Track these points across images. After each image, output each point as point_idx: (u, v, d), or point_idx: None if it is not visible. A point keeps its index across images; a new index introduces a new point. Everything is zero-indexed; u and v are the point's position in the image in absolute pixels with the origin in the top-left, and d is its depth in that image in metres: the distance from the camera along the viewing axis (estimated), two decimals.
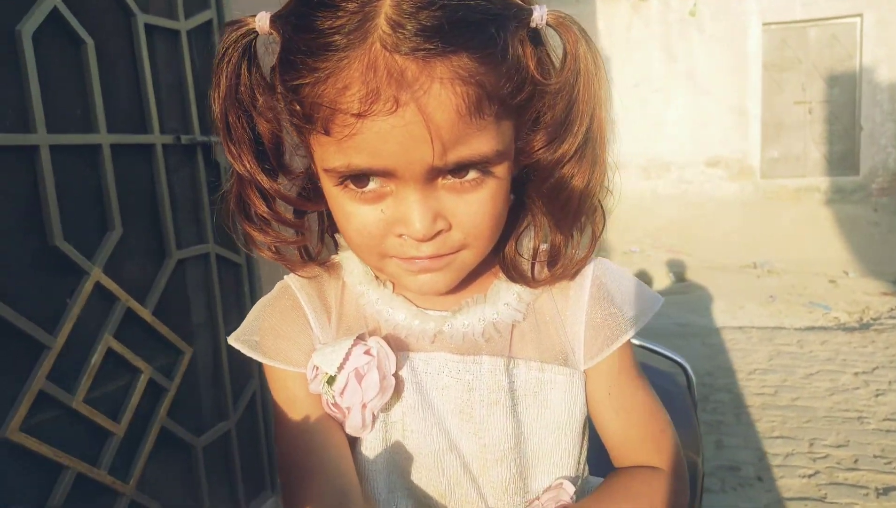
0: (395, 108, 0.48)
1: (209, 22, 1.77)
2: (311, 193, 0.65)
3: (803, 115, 8.77)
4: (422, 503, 0.69)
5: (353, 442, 0.69)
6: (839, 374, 3.55)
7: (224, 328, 1.78)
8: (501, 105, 0.52)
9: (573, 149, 0.58)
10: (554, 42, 0.58)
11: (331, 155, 0.53)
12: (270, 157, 0.61)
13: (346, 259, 0.71)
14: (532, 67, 0.54)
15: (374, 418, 0.67)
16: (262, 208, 0.63)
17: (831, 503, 2.34)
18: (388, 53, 0.47)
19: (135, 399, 1.50)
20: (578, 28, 0.56)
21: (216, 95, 0.59)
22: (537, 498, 0.69)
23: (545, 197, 0.62)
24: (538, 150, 0.59)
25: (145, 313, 1.54)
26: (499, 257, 0.68)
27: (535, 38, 0.56)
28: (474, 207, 0.56)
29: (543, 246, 0.67)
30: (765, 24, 8.55)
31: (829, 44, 8.49)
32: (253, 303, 0.76)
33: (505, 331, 0.68)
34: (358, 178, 0.55)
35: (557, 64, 0.57)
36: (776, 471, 2.57)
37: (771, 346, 4.11)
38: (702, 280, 6.08)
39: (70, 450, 1.31)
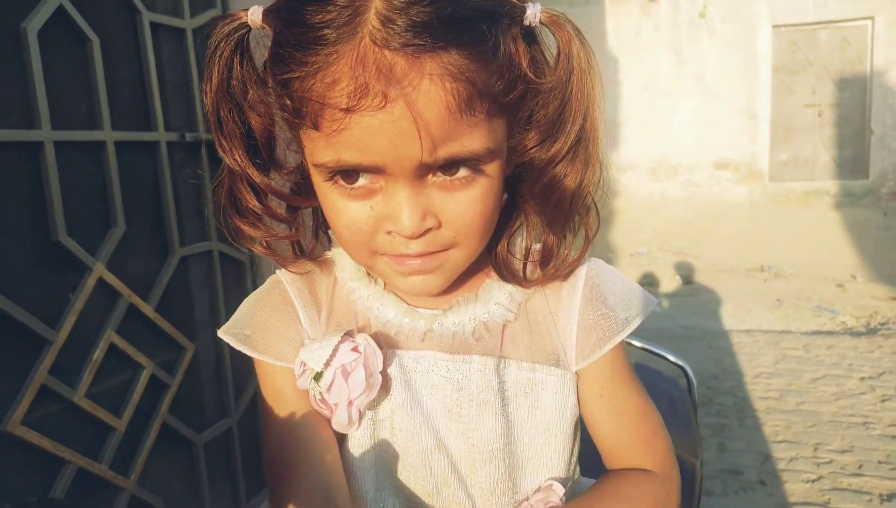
0: (383, 103, 0.48)
1: (214, 20, 1.77)
2: (304, 188, 0.65)
3: (813, 118, 8.72)
4: (409, 502, 0.69)
5: (342, 439, 0.69)
6: (845, 379, 3.52)
7: None
8: (493, 103, 0.52)
9: (566, 148, 0.58)
10: (550, 42, 0.57)
11: (320, 150, 0.53)
12: (262, 151, 0.61)
13: (339, 255, 0.71)
14: (525, 65, 0.54)
15: (361, 415, 0.67)
16: (252, 202, 0.63)
17: None
18: (377, 49, 0.47)
19: (136, 395, 1.50)
20: (572, 27, 0.56)
21: (208, 88, 0.59)
22: (526, 499, 0.69)
23: (538, 197, 0.62)
24: (531, 149, 0.59)
25: (148, 310, 1.55)
26: (491, 257, 0.67)
27: (529, 36, 0.55)
28: (464, 205, 0.56)
29: (536, 246, 0.67)
30: (775, 27, 8.51)
31: (840, 47, 8.44)
32: None
33: (496, 331, 0.68)
34: (347, 174, 0.55)
35: (552, 63, 0.57)
36: (779, 476, 2.56)
37: (777, 350, 4.08)
38: (709, 283, 6.05)
39: (71, 445, 1.32)
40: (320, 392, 0.64)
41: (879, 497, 2.39)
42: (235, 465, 1.89)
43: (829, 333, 4.49)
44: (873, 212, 7.99)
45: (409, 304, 0.68)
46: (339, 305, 0.71)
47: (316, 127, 0.52)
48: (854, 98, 8.52)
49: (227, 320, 0.73)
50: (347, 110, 0.49)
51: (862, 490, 2.43)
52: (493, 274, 0.69)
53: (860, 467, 2.60)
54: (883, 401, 3.21)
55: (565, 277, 0.70)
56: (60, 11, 1.32)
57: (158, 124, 1.59)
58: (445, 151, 0.52)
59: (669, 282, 6.21)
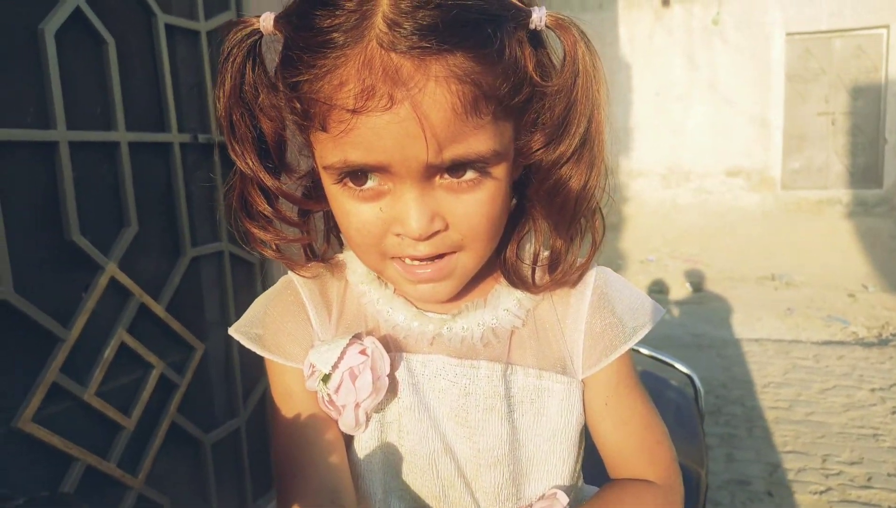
0: (389, 104, 0.49)
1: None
2: (315, 193, 0.66)
3: (826, 126, 8.66)
4: (415, 504, 0.70)
5: (350, 441, 0.70)
6: (855, 390, 3.50)
7: None
8: (499, 105, 0.53)
9: (571, 150, 0.58)
10: (556, 45, 0.58)
11: (328, 151, 0.54)
12: (273, 155, 0.62)
13: (350, 258, 0.72)
14: (530, 67, 0.55)
15: (368, 417, 0.67)
16: (263, 205, 0.64)
17: None
18: (384, 51, 0.48)
19: (146, 394, 1.52)
20: (578, 30, 0.56)
21: (220, 93, 0.60)
22: (530, 506, 0.69)
23: (543, 199, 0.63)
24: (536, 150, 0.59)
25: (159, 309, 1.56)
26: (500, 262, 0.68)
27: (535, 39, 0.56)
28: (472, 207, 0.57)
29: (545, 253, 0.67)
30: (788, 35, 8.46)
31: (855, 55, 8.38)
32: None
33: (504, 337, 0.68)
34: (356, 176, 0.55)
35: (558, 66, 0.57)
36: (787, 487, 2.54)
37: (787, 359, 4.06)
38: (719, 291, 6.02)
39: (81, 442, 1.33)
40: (328, 394, 0.65)
41: None
42: (243, 465, 1.90)
43: (840, 343, 4.45)
44: (886, 221, 7.92)
45: (418, 308, 0.69)
46: (350, 307, 0.72)
47: (324, 128, 0.53)
48: (868, 107, 8.45)
49: (237, 320, 0.74)
50: (354, 111, 0.50)
51: (871, 503, 2.41)
52: (503, 280, 0.69)
53: (869, 479, 2.58)
54: (893, 413, 3.18)
55: (573, 284, 0.70)
56: (77, 13, 1.33)
57: (172, 126, 1.61)
58: (451, 153, 0.52)
59: (679, 289, 6.18)
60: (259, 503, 1.97)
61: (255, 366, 1.94)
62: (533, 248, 0.68)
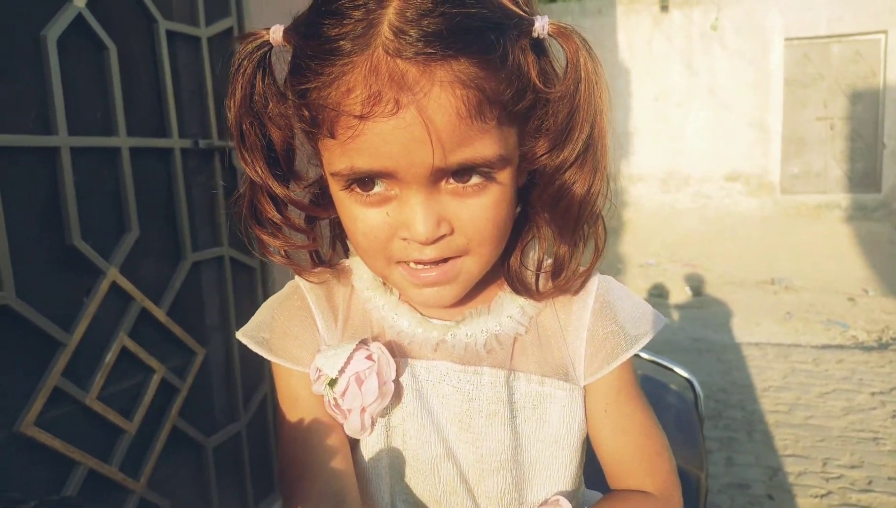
0: (395, 110, 0.50)
1: (230, 29, 1.80)
2: (322, 199, 0.68)
3: (825, 131, 8.68)
4: None
5: (356, 445, 0.70)
6: (855, 394, 3.50)
7: (237, 330, 1.79)
8: (503, 110, 0.54)
9: (574, 155, 0.59)
10: (559, 53, 0.59)
11: (336, 158, 0.55)
12: (282, 163, 0.64)
13: (357, 264, 0.73)
14: (534, 74, 0.56)
15: (374, 421, 0.68)
16: (272, 213, 0.65)
17: None
18: (390, 58, 0.49)
19: (147, 398, 1.52)
20: (580, 38, 0.57)
21: (231, 103, 0.61)
22: None
23: (547, 204, 0.63)
24: (540, 156, 0.60)
25: (160, 314, 1.56)
26: (504, 269, 0.69)
27: (538, 47, 0.57)
28: (477, 211, 0.57)
29: (548, 260, 0.68)
30: (787, 40, 8.49)
31: (853, 60, 8.41)
32: None
33: (507, 343, 0.69)
34: (363, 182, 0.56)
35: (561, 73, 0.58)
36: (787, 491, 2.54)
37: (786, 363, 4.06)
38: (719, 295, 6.02)
39: (82, 446, 1.34)
40: (334, 398, 0.65)
41: None
42: (244, 469, 1.90)
43: (840, 347, 4.45)
44: (885, 226, 7.94)
45: (422, 314, 0.69)
46: (355, 313, 0.72)
47: (332, 135, 0.54)
48: (866, 112, 8.48)
49: (237, 325, 0.74)
50: (361, 117, 0.51)
51: (871, 507, 2.41)
52: (506, 287, 0.70)
53: (869, 483, 2.58)
54: (893, 417, 3.18)
55: (576, 291, 0.71)
56: (79, 19, 1.34)
57: (173, 131, 1.62)
58: (457, 157, 0.53)
59: (679, 294, 6.19)
60: (260, 506, 1.97)
61: (255, 370, 1.94)
62: (537, 255, 0.69)
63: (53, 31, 1.28)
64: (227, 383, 1.85)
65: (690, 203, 9.07)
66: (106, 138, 1.43)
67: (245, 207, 0.66)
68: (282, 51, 0.59)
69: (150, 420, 1.54)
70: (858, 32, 8.26)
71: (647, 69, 9.01)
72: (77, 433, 1.34)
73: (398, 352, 0.69)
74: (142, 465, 1.51)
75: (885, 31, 8.16)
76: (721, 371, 3.95)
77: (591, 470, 0.76)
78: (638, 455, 0.72)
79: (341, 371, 0.64)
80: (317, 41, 0.52)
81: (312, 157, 0.64)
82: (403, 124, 0.50)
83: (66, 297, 1.35)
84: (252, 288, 1.93)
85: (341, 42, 0.50)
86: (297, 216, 0.68)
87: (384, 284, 0.70)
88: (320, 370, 0.66)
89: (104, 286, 1.40)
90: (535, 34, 0.55)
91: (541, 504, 0.70)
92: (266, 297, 2.04)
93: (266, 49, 0.60)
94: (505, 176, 0.57)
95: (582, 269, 0.68)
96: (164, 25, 1.58)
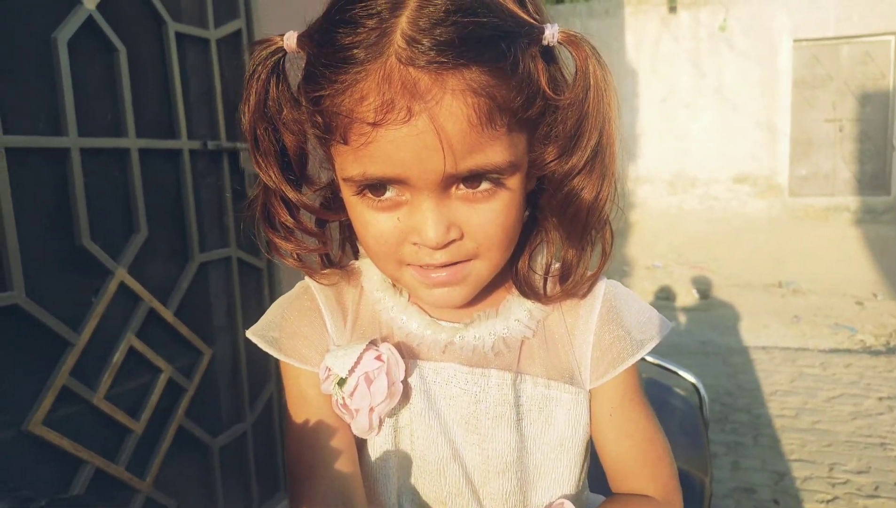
0: (408, 117, 0.51)
1: (238, 31, 1.81)
2: (333, 203, 0.69)
3: (834, 133, 8.64)
4: None
5: (363, 445, 0.71)
6: (863, 398, 3.48)
7: (243, 331, 1.80)
8: (513, 117, 0.54)
9: (583, 161, 0.60)
10: (568, 60, 0.59)
11: (348, 164, 0.56)
12: (295, 168, 0.65)
13: (366, 266, 0.73)
14: (544, 82, 0.56)
15: (381, 421, 0.68)
16: (285, 217, 0.66)
17: None
18: (402, 66, 0.50)
19: (154, 398, 1.53)
20: (589, 46, 0.58)
21: (245, 108, 0.62)
22: None
23: (556, 210, 0.64)
24: (550, 162, 0.61)
25: (167, 314, 1.57)
26: (512, 273, 0.69)
27: (548, 55, 0.58)
28: (487, 217, 0.58)
29: (556, 265, 0.68)
30: (796, 41, 8.46)
31: (863, 62, 8.37)
32: None
33: (514, 346, 0.70)
34: (375, 187, 0.57)
35: (570, 81, 0.59)
36: (793, 495, 2.53)
37: (793, 367, 4.04)
38: (726, 298, 6.00)
39: (90, 445, 1.35)
40: (343, 398, 0.66)
41: None
42: (249, 469, 1.91)
43: (848, 351, 4.43)
44: (894, 229, 7.89)
45: (431, 316, 0.70)
46: (365, 314, 0.73)
47: (345, 141, 0.54)
48: (876, 114, 8.44)
49: (244, 326, 0.75)
50: (374, 124, 0.51)
51: None
52: (514, 291, 0.71)
53: (876, 488, 2.56)
54: None
55: (583, 295, 0.72)
56: (90, 22, 1.35)
57: (181, 133, 1.63)
58: (467, 164, 0.54)
59: (686, 296, 6.17)
60: (265, 506, 1.98)
61: (261, 371, 1.95)
62: (545, 259, 0.69)
63: (64, 34, 1.29)
64: (233, 383, 1.86)
65: (697, 205, 9.05)
66: (115, 140, 1.44)
67: (259, 211, 0.67)
68: (295, 57, 0.60)
69: (157, 420, 1.55)
70: (868, 34, 8.22)
71: (655, 70, 8.99)
72: (85, 433, 1.35)
73: (407, 353, 0.69)
74: (148, 465, 1.52)
75: (895, 33, 8.11)
76: (727, 375, 3.94)
77: (595, 474, 0.76)
78: (640, 460, 0.73)
79: (351, 371, 0.65)
80: (330, 49, 0.53)
81: (324, 161, 0.65)
82: (415, 132, 0.51)
83: (74, 297, 1.36)
84: (259, 289, 1.94)
85: (355, 50, 0.51)
86: (308, 220, 0.69)
87: (393, 285, 0.71)
88: (330, 370, 0.66)
89: (112, 287, 1.41)
90: (544, 42, 0.56)
91: (545, 507, 0.70)
92: (273, 298, 2.05)
93: (280, 55, 0.60)
94: (514, 182, 0.58)
95: (589, 273, 0.68)
96: (173, 27, 1.59)
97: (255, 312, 1.89)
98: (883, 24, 8.12)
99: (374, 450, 0.70)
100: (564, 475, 0.71)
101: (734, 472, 2.71)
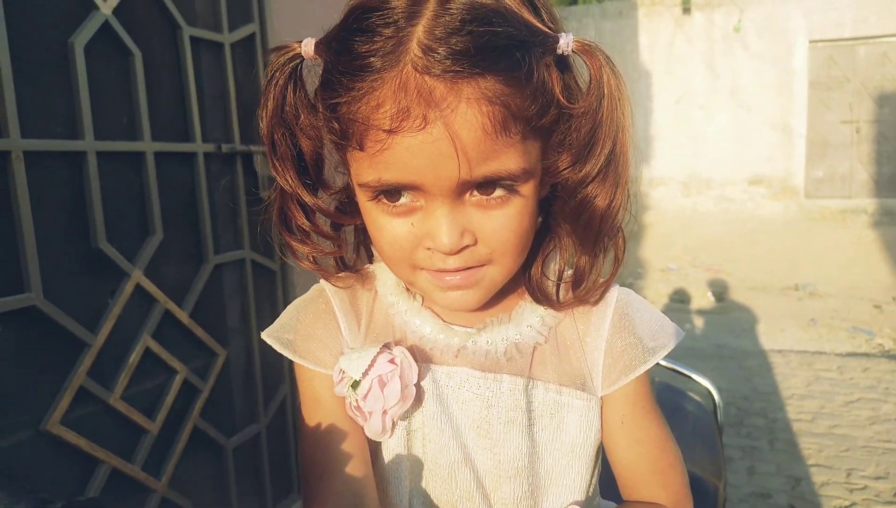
0: (423, 125, 0.51)
1: (252, 35, 1.82)
2: (348, 207, 0.69)
3: (850, 134, 8.56)
4: None
5: (377, 448, 0.71)
6: (881, 403, 3.44)
7: (257, 332, 1.82)
8: (527, 125, 0.55)
9: (596, 169, 0.60)
10: (582, 69, 0.60)
11: (364, 170, 0.57)
12: (311, 172, 0.65)
13: (380, 270, 0.74)
14: (558, 90, 0.56)
15: (394, 424, 0.69)
16: (302, 220, 0.67)
17: None
18: (418, 75, 0.51)
19: (170, 399, 1.54)
20: (603, 55, 0.58)
21: (263, 113, 0.63)
22: None
23: (569, 217, 0.64)
24: (563, 170, 0.61)
25: (182, 316, 1.59)
26: (525, 279, 0.70)
27: (562, 64, 0.58)
28: (500, 223, 0.59)
29: (569, 271, 0.69)
30: (811, 42, 8.39)
31: (880, 62, 8.28)
32: None
33: (526, 352, 0.70)
34: (390, 193, 0.58)
35: (584, 89, 0.59)
36: (810, 501, 2.50)
37: (810, 371, 4.00)
38: (741, 301, 5.95)
39: (106, 445, 1.36)
40: (357, 400, 0.66)
41: None
42: (263, 469, 1.92)
43: (865, 355, 4.38)
44: None
45: (444, 321, 0.71)
46: (378, 317, 0.74)
47: (361, 148, 0.55)
48: (894, 115, 8.34)
49: (258, 327, 0.76)
50: (390, 132, 0.52)
51: None
52: (527, 297, 0.71)
53: (895, 494, 2.53)
54: None
55: (595, 302, 0.72)
56: (106, 26, 1.37)
57: (196, 136, 1.64)
58: (482, 171, 0.54)
59: (701, 299, 6.12)
60: (279, 506, 1.98)
61: (275, 373, 1.96)
62: (557, 265, 0.69)
63: (81, 38, 1.31)
64: (247, 384, 1.87)
65: (712, 207, 8.99)
66: (131, 143, 1.45)
67: (276, 214, 0.68)
68: (313, 64, 0.60)
69: (173, 421, 1.57)
70: (885, 34, 8.13)
71: (669, 71, 8.95)
72: (101, 433, 1.36)
73: (420, 357, 0.70)
74: (164, 465, 1.53)
75: None
76: (743, 378, 3.90)
77: (606, 480, 0.76)
78: (651, 467, 0.73)
79: (365, 374, 0.65)
80: (347, 57, 0.53)
81: (339, 165, 0.66)
82: (431, 139, 0.52)
83: (91, 298, 1.38)
84: (272, 291, 1.95)
85: (371, 59, 0.52)
86: (324, 223, 0.70)
87: (407, 290, 0.72)
88: (344, 372, 0.67)
89: (128, 288, 1.43)
90: (559, 51, 0.56)
91: None
92: (286, 300, 2.07)
93: (297, 62, 0.61)
94: (528, 189, 0.59)
95: (602, 280, 0.69)
96: (188, 32, 1.61)
97: (268, 313, 1.90)
98: None
99: (387, 453, 0.71)
100: (575, 481, 0.71)
101: (750, 477, 2.69)
